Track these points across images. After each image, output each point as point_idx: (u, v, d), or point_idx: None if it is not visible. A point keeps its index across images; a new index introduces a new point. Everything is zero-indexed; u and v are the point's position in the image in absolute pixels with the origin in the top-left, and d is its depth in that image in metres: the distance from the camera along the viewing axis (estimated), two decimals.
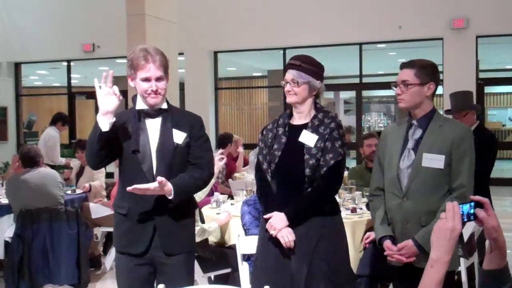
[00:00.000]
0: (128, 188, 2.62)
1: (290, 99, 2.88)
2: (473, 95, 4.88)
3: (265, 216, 2.84)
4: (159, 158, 2.73)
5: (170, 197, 2.67)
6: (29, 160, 5.07)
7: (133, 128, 2.76)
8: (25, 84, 15.15)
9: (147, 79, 2.72)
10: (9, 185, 5.13)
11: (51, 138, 7.85)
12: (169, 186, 2.65)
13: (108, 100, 2.64)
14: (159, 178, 2.61)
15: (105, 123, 2.63)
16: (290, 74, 2.86)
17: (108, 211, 5.60)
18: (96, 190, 6.20)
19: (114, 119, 2.64)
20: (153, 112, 2.79)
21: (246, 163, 7.85)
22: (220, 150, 5.43)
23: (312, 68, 2.85)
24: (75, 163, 6.94)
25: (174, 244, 2.77)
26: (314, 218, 2.80)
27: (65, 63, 13.69)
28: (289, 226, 2.77)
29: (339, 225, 2.92)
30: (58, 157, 7.97)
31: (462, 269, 4.02)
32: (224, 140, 7.45)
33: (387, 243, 2.85)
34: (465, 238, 3.39)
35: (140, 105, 2.81)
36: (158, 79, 2.72)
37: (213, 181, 4.29)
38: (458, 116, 4.46)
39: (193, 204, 2.98)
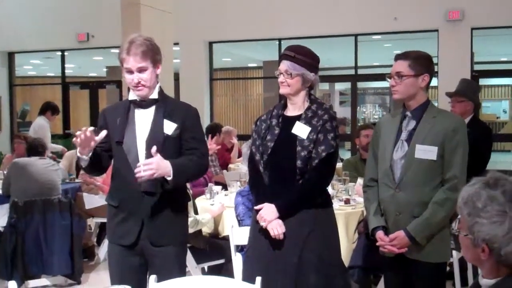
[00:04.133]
0: (137, 176, 2.58)
1: (283, 90, 2.87)
2: (479, 90, 4.89)
3: (256, 207, 2.84)
4: (148, 149, 2.70)
5: (169, 178, 2.62)
6: (34, 149, 5.23)
7: (121, 120, 2.76)
8: (19, 74, 15.05)
9: (129, 71, 2.71)
10: (14, 167, 5.14)
11: (40, 127, 7.78)
12: (167, 164, 2.60)
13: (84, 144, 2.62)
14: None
15: (84, 160, 2.68)
16: (284, 65, 2.84)
17: (101, 202, 5.58)
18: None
19: (91, 153, 2.67)
20: (145, 102, 2.78)
21: (240, 154, 7.85)
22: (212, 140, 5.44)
23: (307, 59, 2.83)
24: (71, 153, 6.88)
25: (161, 236, 2.76)
26: (305, 210, 2.80)
27: (59, 53, 13.59)
28: (279, 217, 2.76)
29: (330, 217, 2.92)
30: (50, 145, 7.91)
31: (455, 260, 4.04)
32: (211, 130, 7.48)
33: (380, 234, 2.85)
34: None
35: (133, 95, 2.80)
36: (140, 70, 2.69)
37: None
38: (454, 100, 4.47)
39: (185, 196, 2.96)
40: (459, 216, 1.61)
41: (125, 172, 2.72)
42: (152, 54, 2.72)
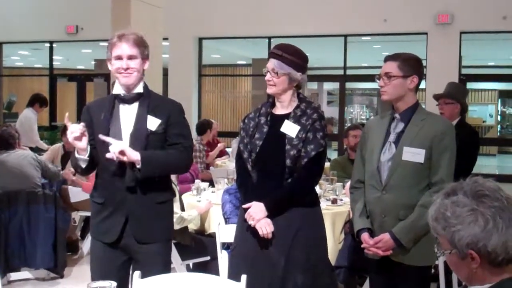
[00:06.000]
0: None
1: (269, 90, 2.87)
2: (467, 93, 4.91)
3: (244, 206, 2.83)
4: (131, 145, 2.70)
5: (138, 166, 2.65)
6: (3, 142, 5.00)
7: (105, 116, 2.75)
8: (6, 64, 14.92)
9: (119, 57, 2.71)
10: None
11: (27, 119, 7.73)
12: (136, 152, 2.63)
13: (79, 139, 2.64)
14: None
15: (83, 160, 2.70)
16: (271, 63, 2.83)
17: (87, 195, 5.52)
18: (80, 178, 6.08)
19: (89, 152, 2.69)
20: (129, 97, 2.77)
21: (222, 154, 7.81)
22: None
23: (294, 59, 2.82)
24: (56, 146, 6.82)
25: (146, 233, 2.75)
26: (293, 209, 2.79)
27: (48, 45, 13.49)
28: (268, 216, 2.76)
29: (318, 217, 2.92)
30: (36, 139, 7.85)
31: (440, 263, 4.06)
32: (202, 127, 7.45)
33: (364, 236, 2.84)
34: None
35: (117, 89, 2.79)
36: (130, 57, 2.71)
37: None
38: (442, 102, 4.48)
39: (170, 193, 2.93)
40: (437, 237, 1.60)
41: (110, 167, 2.71)
42: (142, 47, 2.75)
